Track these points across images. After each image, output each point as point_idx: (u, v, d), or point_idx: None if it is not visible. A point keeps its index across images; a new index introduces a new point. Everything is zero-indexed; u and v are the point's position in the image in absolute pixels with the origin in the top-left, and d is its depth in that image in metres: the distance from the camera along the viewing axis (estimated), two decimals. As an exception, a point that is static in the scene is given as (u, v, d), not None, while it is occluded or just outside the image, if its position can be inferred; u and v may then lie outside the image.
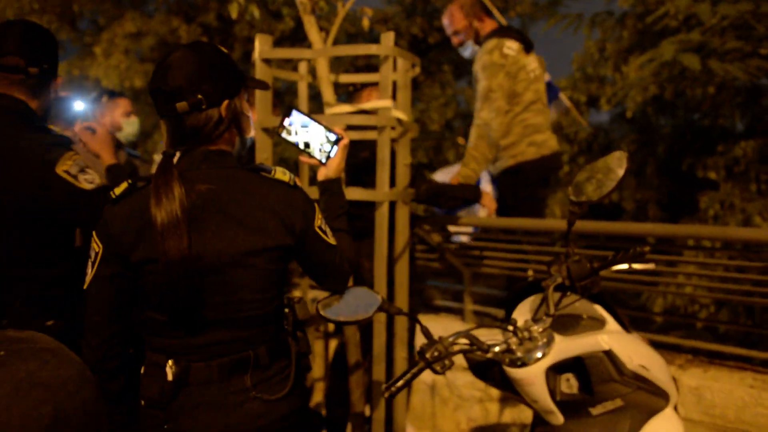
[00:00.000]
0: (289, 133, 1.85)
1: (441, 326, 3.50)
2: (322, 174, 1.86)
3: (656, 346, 3.05)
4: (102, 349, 1.50)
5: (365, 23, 2.93)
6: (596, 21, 6.85)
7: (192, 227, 1.44)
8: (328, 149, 1.85)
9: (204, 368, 1.49)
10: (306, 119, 1.85)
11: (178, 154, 1.52)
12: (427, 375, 3.51)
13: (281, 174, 1.57)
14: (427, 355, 1.62)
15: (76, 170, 1.89)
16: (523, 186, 3.46)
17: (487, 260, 3.49)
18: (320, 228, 1.61)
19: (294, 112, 1.84)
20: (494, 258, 3.45)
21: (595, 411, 1.68)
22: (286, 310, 1.66)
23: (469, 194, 3.08)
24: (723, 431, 2.60)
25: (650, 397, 1.69)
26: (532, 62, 3.46)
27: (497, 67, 3.34)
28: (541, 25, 8.86)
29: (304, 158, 1.89)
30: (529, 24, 9.36)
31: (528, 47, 3.46)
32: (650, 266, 1.89)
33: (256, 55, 2.43)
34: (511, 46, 3.37)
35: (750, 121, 6.88)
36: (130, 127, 3.63)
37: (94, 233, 1.50)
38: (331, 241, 1.65)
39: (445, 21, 3.68)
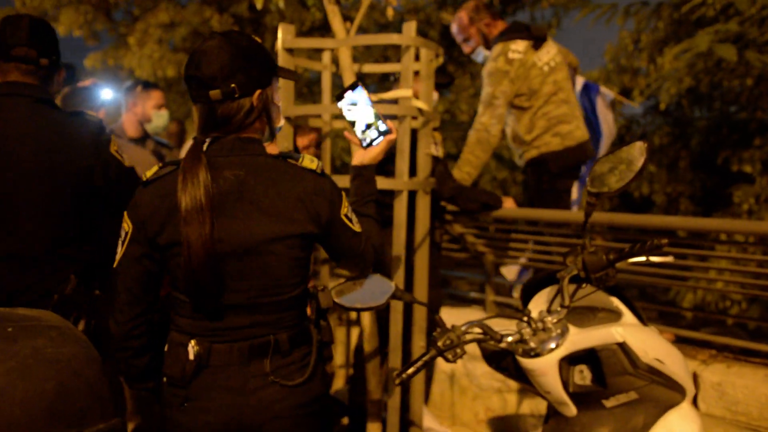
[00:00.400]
0: (343, 105, 1.87)
1: (463, 316, 3.50)
2: (358, 158, 1.88)
3: (682, 341, 3.02)
4: (128, 327, 1.54)
5: (389, 13, 2.93)
6: (630, 11, 6.72)
7: (216, 213, 1.46)
8: (373, 136, 1.85)
9: (225, 350, 1.52)
10: (365, 100, 1.86)
11: (208, 141, 1.54)
12: (446, 364, 3.51)
13: (309, 162, 1.59)
14: (439, 344, 1.62)
15: (121, 150, 1.97)
16: (545, 177, 3.43)
17: (510, 251, 3.47)
18: (346, 216, 1.63)
19: (359, 89, 1.85)
20: (516, 249, 3.43)
21: (609, 403, 1.67)
22: (310, 299, 1.68)
23: (491, 200, 3.12)
24: (746, 428, 2.56)
25: (666, 390, 1.67)
26: (545, 55, 3.43)
27: (501, 74, 3.36)
28: (573, 15, 8.72)
29: (349, 135, 1.90)
30: (562, 15, 9.22)
31: (538, 42, 3.43)
32: (668, 259, 1.86)
33: (279, 44, 2.45)
34: (517, 49, 3.37)
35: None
36: (159, 119, 3.70)
37: (125, 213, 1.54)
38: (357, 228, 1.66)
39: (454, 29, 3.68)
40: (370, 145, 1.86)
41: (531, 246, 3.37)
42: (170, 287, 1.56)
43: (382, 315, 2.63)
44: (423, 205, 2.61)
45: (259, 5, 2.81)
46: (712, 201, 6.85)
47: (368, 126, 1.85)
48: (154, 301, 1.57)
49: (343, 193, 1.64)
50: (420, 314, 2.62)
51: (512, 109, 3.49)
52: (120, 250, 1.53)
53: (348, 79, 2.52)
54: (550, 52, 3.45)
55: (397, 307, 2.48)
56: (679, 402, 1.71)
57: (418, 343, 2.61)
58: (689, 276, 3.11)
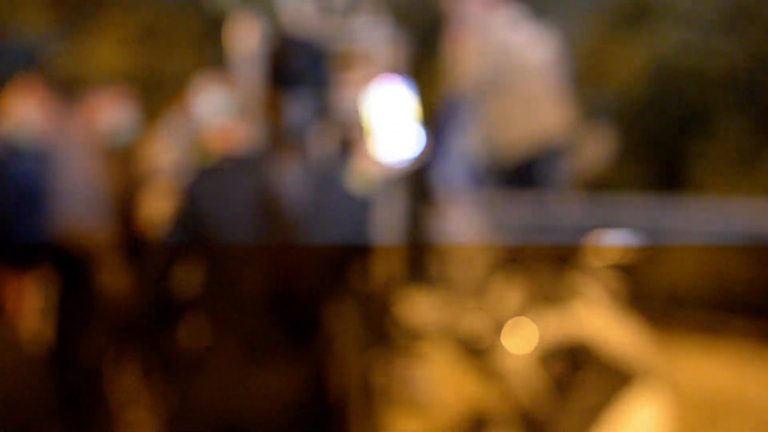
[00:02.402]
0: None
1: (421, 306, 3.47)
2: None
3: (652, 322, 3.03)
4: (151, 299, 1.57)
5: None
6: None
7: (262, 210, 1.49)
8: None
9: (230, 350, 1.52)
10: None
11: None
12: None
13: (361, 175, 1.61)
14: (411, 342, 1.62)
15: None
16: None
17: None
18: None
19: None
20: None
21: (574, 392, 1.68)
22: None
23: None
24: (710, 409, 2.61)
25: (626, 375, 1.70)
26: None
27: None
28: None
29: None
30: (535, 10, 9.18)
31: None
32: (633, 257, 1.87)
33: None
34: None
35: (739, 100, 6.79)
36: None
37: (178, 197, 1.56)
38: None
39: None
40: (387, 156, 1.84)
41: None
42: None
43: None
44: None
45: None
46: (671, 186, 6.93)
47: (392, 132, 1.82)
48: (173, 284, 1.57)
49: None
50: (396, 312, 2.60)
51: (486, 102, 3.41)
52: (164, 231, 1.58)
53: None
54: (532, 35, 3.34)
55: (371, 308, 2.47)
56: (636, 382, 1.72)
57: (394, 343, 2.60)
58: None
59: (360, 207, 1.60)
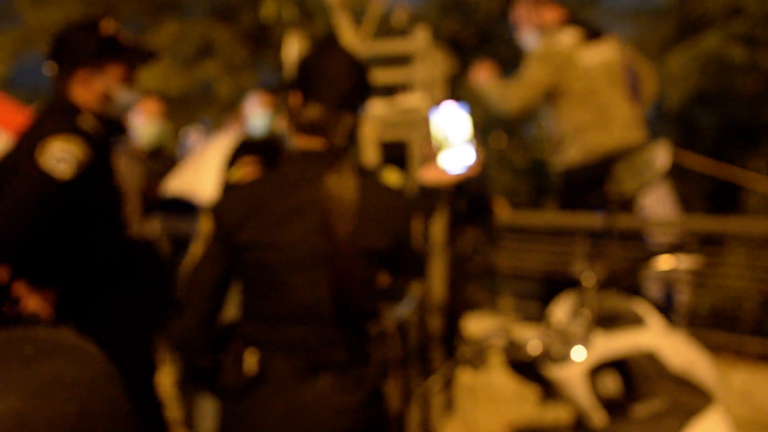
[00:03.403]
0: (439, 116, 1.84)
1: (482, 324, 3.46)
2: (432, 176, 1.87)
3: (702, 344, 2.96)
4: (193, 326, 1.54)
5: (398, 19, 2.91)
6: (638, 13, 6.70)
7: (301, 220, 1.49)
8: (458, 160, 1.82)
9: (284, 364, 1.50)
10: (466, 118, 1.82)
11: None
12: (465, 374, 3.46)
13: (391, 176, 1.61)
14: (461, 354, 1.59)
15: None
16: (567, 192, 3.34)
17: (525, 259, 3.43)
18: (418, 232, 1.63)
19: (462, 106, 1.83)
20: (532, 257, 3.39)
21: (636, 413, 1.62)
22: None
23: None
24: (773, 434, 2.51)
25: (694, 398, 1.63)
26: (595, 54, 3.31)
27: (539, 60, 3.26)
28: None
29: (430, 149, 1.88)
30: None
31: (591, 37, 3.30)
32: (696, 264, 1.82)
33: (287, 55, 2.43)
34: (562, 41, 3.26)
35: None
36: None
37: (208, 213, 1.55)
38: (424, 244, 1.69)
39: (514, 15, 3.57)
40: (451, 168, 1.81)
41: (546, 253, 3.33)
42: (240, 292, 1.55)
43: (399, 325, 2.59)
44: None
45: (268, 15, 2.79)
46: (721, 204, 6.80)
47: (455, 148, 1.80)
48: (222, 302, 1.57)
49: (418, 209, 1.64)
50: (437, 324, 2.58)
51: (551, 108, 3.37)
52: (198, 249, 1.54)
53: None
54: (603, 52, 3.31)
55: (411, 318, 2.45)
56: (707, 409, 1.66)
57: (437, 353, 2.57)
58: (705, 276, 3.06)
59: (404, 211, 1.58)
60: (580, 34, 3.25)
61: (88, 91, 1.93)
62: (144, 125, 3.59)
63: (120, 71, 1.95)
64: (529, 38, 3.45)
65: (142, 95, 3.67)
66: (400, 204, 1.58)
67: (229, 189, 1.56)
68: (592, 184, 3.23)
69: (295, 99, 1.56)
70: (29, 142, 1.82)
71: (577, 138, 3.25)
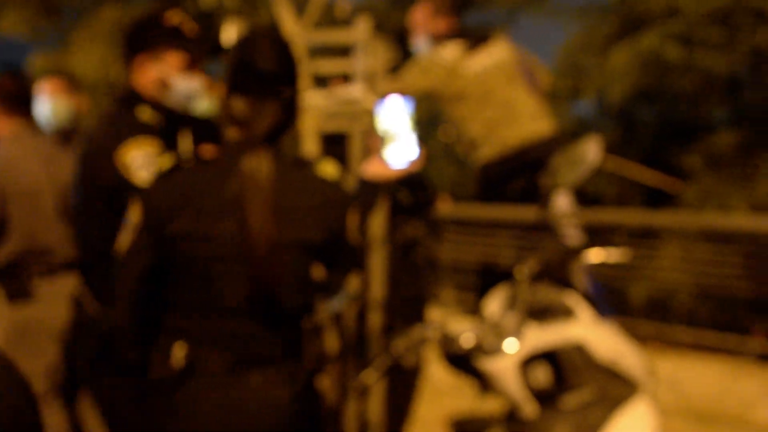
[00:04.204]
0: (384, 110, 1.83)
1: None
2: (373, 171, 1.84)
3: (633, 334, 3.06)
4: (125, 318, 1.51)
5: (342, 9, 2.88)
6: (583, 11, 6.84)
7: (234, 211, 1.45)
8: (402, 155, 1.81)
9: (213, 358, 1.47)
10: (409, 113, 1.81)
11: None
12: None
13: (328, 168, 1.57)
14: (394, 348, 1.59)
15: None
16: (490, 185, 3.42)
17: (465, 252, 3.47)
18: (354, 225, 1.61)
19: (407, 101, 1.81)
20: (474, 249, 3.43)
21: (566, 404, 1.66)
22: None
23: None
24: (698, 419, 2.60)
25: (620, 388, 1.68)
26: (484, 58, 3.40)
27: (420, 68, 3.33)
28: (528, 17, 8.81)
29: (373, 142, 1.86)
30: (516, 16, 9.29)
31: (474, 44, 3.39)
32: (625, 257, 1.87)
33: (224, 43, 2.38)
34: (446, 54, 3.34)
35: (732, 113, 6.90)
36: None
37: (137, 202, 1.51)
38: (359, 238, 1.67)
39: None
40: (394, 163, 1.80)
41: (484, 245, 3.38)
42: (168, 284, 1.51)
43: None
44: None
45: (209, 2, 2.73)
46: (660, 198, 7.03)
47: (399, 142, 1.79)
48: (151, 294, 1.53)
49: (354, 202, 1.62)
50: (375, 318, 2.58)
51: (453, 113, 3.45)
52: (127, 240, 1.50)
53: (303, 81, 2.47)
54: (492, 54, 3.41)
55: (348, 312, 2.44)
56: (634, 398, 1.71)
57: (375, 347, 2.58)
58: (641, 269, 3.16)
59: (340, 204, 1.57)
60: (464, 45, 3.34)
61: (144, 77, 1.94)
62: (48, 105, 3.39)
63: (179, 60, 1.95)
64: (420, 45, 3.54)
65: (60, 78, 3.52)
66: (335, 196, 1.56)
67: (160, 177, 1.51)
68: (510, 176, 3.35)
69: (222, 90, 1.54)
70: (105, 147, 1.85)
71: (490, 135, 3.34)
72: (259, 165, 1.46)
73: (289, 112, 1.55)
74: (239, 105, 1.50)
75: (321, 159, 1.65)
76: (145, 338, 1.53)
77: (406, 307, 2.75)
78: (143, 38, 1.95)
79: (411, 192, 2.93)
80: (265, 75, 1.50)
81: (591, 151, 1.61)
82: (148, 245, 1.48)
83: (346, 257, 1.62)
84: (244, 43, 1.54)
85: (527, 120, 3.43)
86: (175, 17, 1.95)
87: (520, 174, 3.49)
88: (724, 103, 6.90)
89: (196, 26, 1.97)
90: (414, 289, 2.86)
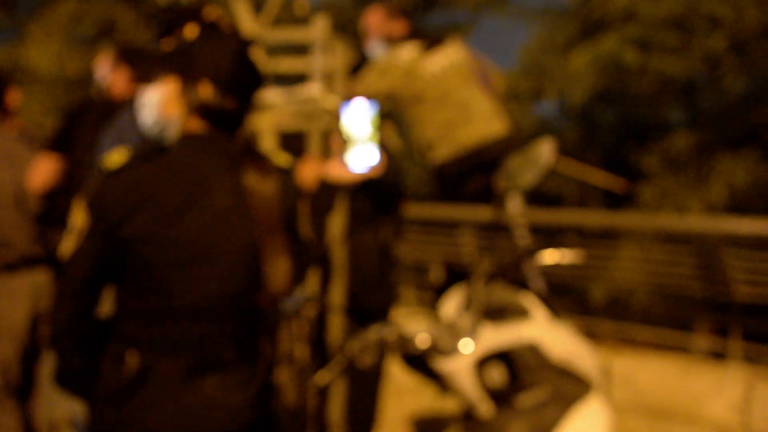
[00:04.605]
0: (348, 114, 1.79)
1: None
2: (335, 174, 1.83)
3: (590, 333, 3.12)
4: (69, 323, 1.44)
5: (301, 7, 2.86)
6: (544, 13, 6.93)
7: (195, 210, 1.41)
8: (363, 160, 1.79)
9: (167, 364, 1.42)
10: (371, 118, 1.77)
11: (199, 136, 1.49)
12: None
13: (279, 157, 1.55)
14: (349, 349, 1.58)
15: None
16: (447, 185, 3.43)
17: (427, 250, 3.48)
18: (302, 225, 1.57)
19: (372, 105, 1.78)
20: (434, 249, 3.44)
21: (521, 403, 1.67)
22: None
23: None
24: (651, 416, 2.65)
25: (574, 386, 1.69)
26: (440, 59, 3.42)
27: (378, 71, 3.34)
28: (489, 19, 8.92)
29: (336, 144, 1.83)
30: (478, 17, 9.38)
31: (430, 46, 3.41)
32: (579, 258, 1.89)
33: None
34: (403, 56, 3.35)
35: (688, 114, 7.08)
36: None
37: (83, 205, 1.44)
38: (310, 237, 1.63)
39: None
40: (355, 167, 1.78)
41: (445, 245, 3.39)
42: (117, 289, 1.46)
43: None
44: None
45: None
46: (619, 198, 7.17)
47: (361, 146, 1.77)
48: (97, 300, 1.47)
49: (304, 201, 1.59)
50: (336, 320, 2.57)
51: (409, 116, 3.45)
52: (73, 243, 1.43)
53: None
54: (448, 55, 3.42)
55: (307, 313, 2.42)
56: (587, 396, 1.73)
57: (348, 346, 2.56)
58: (600, 269, 3.21)
59: (290, 189, 1.55)
60: (421, 45, 3.36)
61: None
62: None
63: None
64: (375, 48, 3.54)
65: None
66: (287, 185, 1.52)
67: (110, 176, 1.44)
68: (466, 176, 3.37)
69: (203, 86, 1.49)
70: None
71: (445, 136, 3.35)
72: (265, 184, 1.45)
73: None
74: (230, 104, 1.48)
75: (273, 151, 1.63)
76: (90, 346, 1.48)
77: (377, 308, 2.73)
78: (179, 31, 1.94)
79: (382, 192, 2.91)
80: (257, 81, 1.50)
81: (544, 153, 1.63)
82: (95, 250, 1.42)
83: (297, 251, 1.60)
84: (240, 47, 1.50)
85: (482, 120, 3.45)
86: (213, 12, 1.95)
87: (476, 174, 3.51)
88: (681, 105, 7.07)
89: (232, 23, 1.96)
90: (384, 289, 2.85)
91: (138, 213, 1.39)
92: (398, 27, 3.47)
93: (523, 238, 2.87)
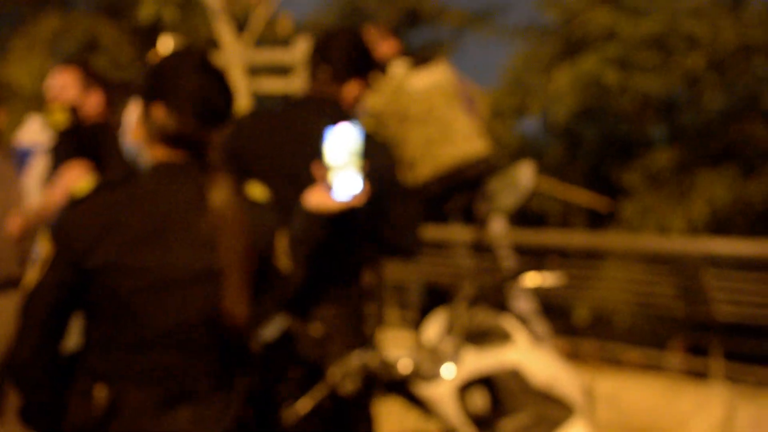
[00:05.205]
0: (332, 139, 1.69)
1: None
2: (316, 201, 1.75)
3: (574, 352, 3.12)
4: (33, 356, 1.39)
5: (283, 27, 2.86)
6: (526, 31, 7.01)
7: (163, 238, 1.38)
8: (347, 188, 1.69)
9: (138, 396, 1.38)
10: (357, 143, 1.68)
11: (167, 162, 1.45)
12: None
13: (254, 190, 1.51)
14: (331, 376, 1.56)
15: None
16: (425, 206, 3.42)
17: (410, 270, 3.47)
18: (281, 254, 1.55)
19: (355, 127, 1.69)
20: (418, 269, 3.43)
21: (504, 428, 1.65)
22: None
23: None
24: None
25: (557, 411, 1.69)
26: (424, 77, 3.44)
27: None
28: (473, 37, 8.99)
29: (319, 171, 1.69)
30: (461, 36, 9.47)
31: (417, 63, 3.44)
32: (560, 281, 1.89)
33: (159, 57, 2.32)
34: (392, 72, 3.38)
35: (668, 131, 7.16)
36: None
37: (48, 234, 1.40)
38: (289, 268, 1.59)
39: None
40: (339, 195, 1.68)
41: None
42: (85, 321, 1.42)
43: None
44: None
45: (147, 15, 2.68)
46: (602, 214, 7.21)
47: (345, 174, 1.67)
48: (62, 332, 1.43)
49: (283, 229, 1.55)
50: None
51: (392, 139, 3.45)
52: (37, 274, 1.39)
53: (240, 98, 2.43)
54: (433, 75, 3.43)
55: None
56: (570, 420, 1.72)
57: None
58: (583, 288, 3.22)
59: (265, 224, 1.52)
60: (409, 62, 3.39)
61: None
62: None
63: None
64: None
65: None
66: (262, 220, 1.49)
67: (75, 205, 1.40)
68: (446, 196, 3.36)
69: (156, 108, 1.46)
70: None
71: (426, 155, 3.35)
72: (229, 200, 1.41)
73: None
74: (192, 129, 1.45)
75: (249, 181, 1.59)
76: (56, 380, 1.43)
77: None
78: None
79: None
80: (225, 106, 1.47)
81: (524, 177, 1.63)
82: (60, 280, 1.38)
83: (275, 284, 1.57)
84: (203, 70, 1.47)
85: (461, 140, 3.43)
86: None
87: (457, 194, 3.50)
88: (661, 122, 7.15)
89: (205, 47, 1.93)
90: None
91: (103, 242, 1.36)
92: (389, 47, 3.50)
93: (506, 259, 2.87)
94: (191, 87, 1.45)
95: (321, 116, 1.84)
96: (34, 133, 3.03)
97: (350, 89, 2.02)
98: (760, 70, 6.29)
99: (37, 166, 2.78)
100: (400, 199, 2.01)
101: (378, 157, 1.88)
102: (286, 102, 2.00)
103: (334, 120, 1.78)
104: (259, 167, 1.87)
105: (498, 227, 2.99)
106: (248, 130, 1.97)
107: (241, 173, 1.67)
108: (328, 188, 1.68)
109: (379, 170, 1.85)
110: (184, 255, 1.40)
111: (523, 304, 2.73)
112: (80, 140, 2.43)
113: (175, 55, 1.52)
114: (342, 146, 1.67)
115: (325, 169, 1.68)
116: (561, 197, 5.58)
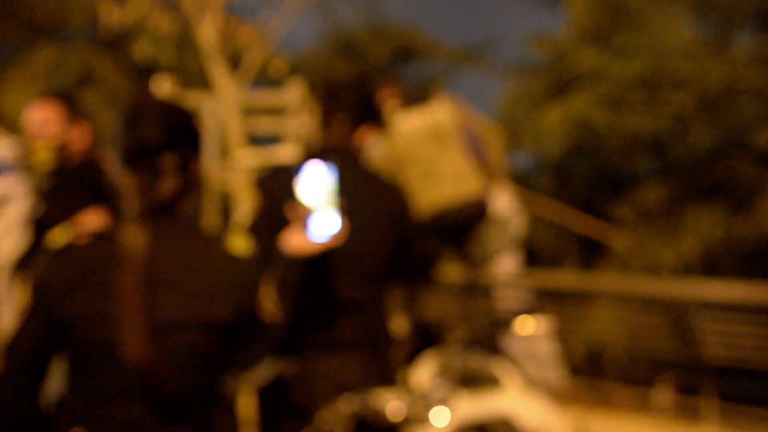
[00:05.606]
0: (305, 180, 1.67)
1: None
2: (296, 245, 1.73)
3: (567, 392, 3.09)
4: (14, 398, 1.41)
5: (277, 68, 2.90)
6: (517, 69, 7.13)
7: (142, 289, 1.37)
8: (324, 229, 1.66)
9: None
10: (333, 183, 1.65)
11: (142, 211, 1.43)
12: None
13: (236, 243, 1.50)
14: (321, 421, 1.55)
15: None
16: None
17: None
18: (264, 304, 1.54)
19: (330, 168, 1.66)
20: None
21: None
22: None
23: None
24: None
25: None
26: (417, 117, 3.44)
27: None
28: (464, 73, 9.11)
29: (296, 212, 1.67)
30: (452, 72, 9.58)
31: (410, 103, 3.44)
32: (552, 326, 1.89)
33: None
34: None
35: (658, 167, 7.24)
36: None
37: (28, 284, 1.43)
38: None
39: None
40: (317, 237, 1.64)
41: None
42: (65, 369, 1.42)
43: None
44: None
45: (142, 55, 2.71)
46: (594, 249, 7.25)
47: (322, 214, 1.63)
48: (41, 379, 1.43)
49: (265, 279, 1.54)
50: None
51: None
52: (16, 323, 1.42)
53: (232, 137, 2.45)
54: (425, 116, 3.41)
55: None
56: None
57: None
58: (574, 332, 3.22)
59: (248, 283, 1.50)
60: (400, 102, 3.37)
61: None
62: None
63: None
64: None
65: None
66: (244, 273, 1.47)
67: (53, 256, 1.42)
68: (433, 239, 3.31)
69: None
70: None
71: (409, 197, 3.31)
72: (134, 238, 1.38)
73: (186, 178, 1.45)
74: (127, 178, 1.45)
75: (232, 233, 1.58)
76: (37, 425, 1.44)
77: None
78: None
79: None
80: (146, 145, 1.42)
81: (514, 225, 1.64)
82: (37, 329, 1.39)
83: (261, 335, 1.56)
84: (126, 116, 1.47)
85: (448, 183, 3.34)
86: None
87: (442, 238, 3.45)
88: (651, 159, 7.24)
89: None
90: None
91: (75, 292, 1.37)
92: (387, 94, 3.47)
93: (503, 301, 2.85)
94: (124, 137, 1.46)
95: (344, 167, 1.75)
96: None
97: (362, 135, 2.04)
98: (747, 110, 6.40)
99: (16, 208, 2.63)
100: (418, 238, 2.08)
101: (394, 201, 1.98)
102: (306, 154, 1.96)
103: (356, 169, 1.82)
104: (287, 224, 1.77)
105: (507, 266, 2.97)
106: (272, 186, 1.94)
107: (273, 232, 1.71)
108: (305, 230, 1.64)
109: (399, 212, 1.91)
110: (162, 306, 1.40)
111: (541, 347, 2.69)
112: (76, 182, 2.40)
113: (127, 111, 1.51)
114: (317, 186, 1.63)
115: (300, 210, 1.65)
116: (557, 222, 5.58)
